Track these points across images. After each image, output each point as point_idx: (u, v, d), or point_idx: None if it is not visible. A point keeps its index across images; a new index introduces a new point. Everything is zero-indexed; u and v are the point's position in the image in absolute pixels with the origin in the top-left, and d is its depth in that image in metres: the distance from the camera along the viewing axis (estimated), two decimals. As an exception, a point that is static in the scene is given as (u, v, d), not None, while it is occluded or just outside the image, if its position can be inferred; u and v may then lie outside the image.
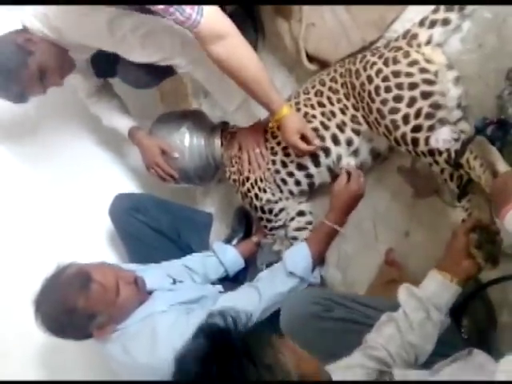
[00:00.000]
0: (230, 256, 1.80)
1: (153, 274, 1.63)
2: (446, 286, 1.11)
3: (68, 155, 2.01)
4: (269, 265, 1.75)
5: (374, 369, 1.05)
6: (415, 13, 1.47)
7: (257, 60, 1.43)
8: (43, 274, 1.63)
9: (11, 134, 1.90)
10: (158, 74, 1.72)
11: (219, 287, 1.70)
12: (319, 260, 1.58)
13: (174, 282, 1.64)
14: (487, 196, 1.19)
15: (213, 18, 1.32)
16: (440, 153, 1.28)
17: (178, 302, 1.52)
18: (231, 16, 1.39)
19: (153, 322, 1.43)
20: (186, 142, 1.81)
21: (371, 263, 1.62)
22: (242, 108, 1.65)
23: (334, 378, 0.93)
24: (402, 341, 1.09)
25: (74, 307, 1.39)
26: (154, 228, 1.83)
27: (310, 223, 1.75)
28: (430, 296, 1.11)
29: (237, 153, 1.75)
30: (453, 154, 1.25)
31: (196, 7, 1.28)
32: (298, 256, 1.54)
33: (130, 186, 2.14)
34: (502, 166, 1.11)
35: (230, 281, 1.82)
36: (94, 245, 1.97)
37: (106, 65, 1.79)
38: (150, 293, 1.56)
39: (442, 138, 1.25)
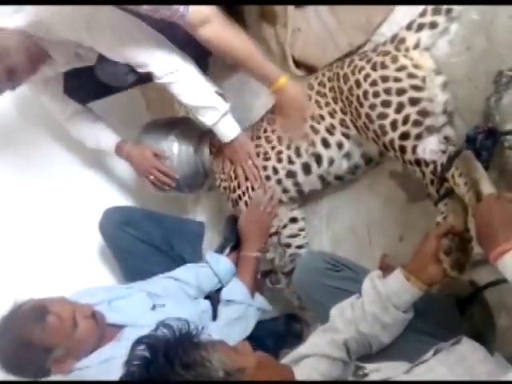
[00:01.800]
0: (224, 266, 1.77)
1: (130, 303, 1.61)
2: (407, 288, 1.10)
3: (55, 170, 1.99)
4: (264, 274, 1.74)
5: (338, 358, 1.11)
6: (402, 15, 1.46)
7: (245, 37, 1.49)
8: (32, 290, 1.63)
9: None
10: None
11: (204, 306, 1.69)
12: (253, 287, 1.68)
13: (154, 307, 1.62)
14: (464, 202, 1.17)
15: (197, 6, 1.39)
16: (426, 164, 1.27)
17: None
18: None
19: (109, 369, 1.35)
20: (175, 150, 1.80)
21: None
22: (222, 121, 1.62)
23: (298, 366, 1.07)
24: (356, 328, 1.12)
25: (30, 340, 1.38)
26: (145, 241, 1.81)
27: (302, 229, 1.74)
28: (389, 294, 1.11)
29: (230, 171, 1.73)
30: (439, 168, 1.24)
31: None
32: (232, 287, 1.67)
33: (119, 199, 2.11)
34: (486, 187, 1.08)
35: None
36: (86, 260, 1.95)
37: (83, 90, 1.79)
38: (122, 326, 1.54)
39: (429, 148, 1.25)
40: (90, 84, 1.74)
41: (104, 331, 1.50)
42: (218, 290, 1.76)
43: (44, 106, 1.82)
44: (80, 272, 1.89)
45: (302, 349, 1.15)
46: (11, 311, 1.43)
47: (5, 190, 1.87)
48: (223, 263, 1.78)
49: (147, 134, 1.84)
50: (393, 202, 1.55)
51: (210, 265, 1.76)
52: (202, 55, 1.67)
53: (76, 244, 1.94)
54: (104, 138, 1.85)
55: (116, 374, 1.34)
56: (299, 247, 1.72)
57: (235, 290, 1.66)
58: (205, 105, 1.59)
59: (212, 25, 1.43)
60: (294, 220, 1.73)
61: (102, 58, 1.58)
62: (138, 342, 0.89)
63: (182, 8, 1.36)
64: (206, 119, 1.62)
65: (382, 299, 1.12)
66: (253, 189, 1.68)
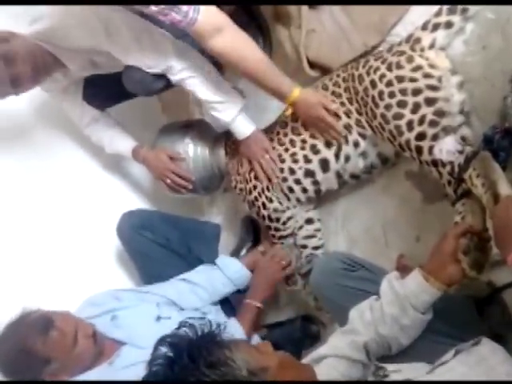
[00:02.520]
0: (235, 270, 1.77)
1: (135, 315, 1.63)
2: (425, 289, 1.10)
3: (74, 173, 2.01)
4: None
5: (358, 360, 1.10)
6: (417, 15, 1.45)
7: (256, 49, 1.44)
8: (51, 293, 1.70)
9: (14, 148, 1.90)
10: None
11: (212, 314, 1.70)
12: (251, 334, 1.69)
13: (159, 318, 1.63)
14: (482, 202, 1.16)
15: (208, 13, 1.34)
16: (443, 165, 1.26)
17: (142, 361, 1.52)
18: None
19: None
20: (191, 153, 1.80)
21: (382, 269, 1.60)
22: (238, 118, 1.62)
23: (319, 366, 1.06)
24: (376, 330, 1.12)
25: (30, 349, 1.42)
26: (162, 245, 1.82)
27: (318, 230, 1.74)
28: (408, 294, 1.10)
29: (247, 170, 1.73)
30: (456, 168, 1.23)
31: (192, 6, 1.30)
32: (230, 327, 1.64)
33: (136, 202, 2.12)
34: (503, 189, 1.07)
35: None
36: (104, 263, 1.97)
37: (101, 96, 1.80)
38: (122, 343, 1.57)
39: (446, 149, 1.24)
40: (107, 90, 1.77)
41: (103, 347, 1.53)
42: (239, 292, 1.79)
43: (65, 113, 1.84)
44: (98, 275, 1.91)
45: (322, 349, 1.15)
46: (19, 318, 1.48)
47: (24, 193, 1.89)
48: (234, 266, 1.78)
49: (163, 137, 1.85)
50: (409, 202, 1.55)
51: (220, 269, 1.77)
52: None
53: (94, 247, 1.95)
54: (121, 143, 1.86)
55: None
56: (316, 248, 1.72)
57: (232, 330, 1.63)
58: (222, 100, 1.58)
59: (222, 35, 1.37)
60: (309, 221, 1.73)
61: (127, 68, 1.59)
62: (161, 341, 0.89)
63: (191, 12, 1.31)
64: (224, 115, 1.60)
65: (400, 300, 1.11)
66: (268, 189, 1.68)
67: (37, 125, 1.69)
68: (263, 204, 1.70)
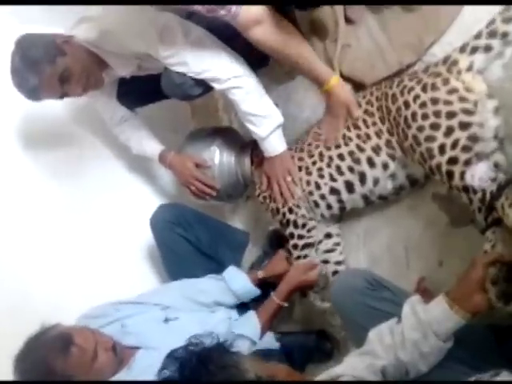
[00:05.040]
0: (242, 285, 1.76)
1: (142, 321, 1.64)
2: (450, 316, 1.07)
3: (105, 169, 2.06)
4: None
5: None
6: (455, 36, 1.43)
7: (297, 37, 1.49)
8: (82, 286, 1.78)
9: (47, 146, 1.94)
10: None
11: (220, 316, 1.71)
12: (266, 329, 1.69)
13: (167, 320, 1.64)
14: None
15: (249, 7, 1.39)
16: (475, 191, 1.23)
17: (159, 361, 1.52)
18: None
19: None
20: (216, 160, 1.80)
21: (401, 290, 1.58)
22: (273, 135, 1.63)
23: None
24: (395, 355, 1.09)
25: (52, 369, 1.42)
26: (192, 243, 1.83)
27: (337, 244, 1.73)
28: (430, 321, 1.08)
29: (265, 189, 1.73)
30: (488, 196, 1.20)
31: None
32: (246, 321, 1.67)
33: (162, 199, 2.16)
34: None
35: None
36: (135, 253, 2.03)
37: (133, 96, 1.82)
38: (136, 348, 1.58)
39: (479, 175, 1.21)
40: (140, 90, 1.78)
41: (123, 357, 1.54)
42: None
43: (97, 111, 1.86)
44: (127, 265, 1.97)
45: (338, 368, 1.14)
46: (37, 335, 1.48)
47: (55, 189, 1.93)
48: (241, 281, 1.77)
49: (190, 143, 1.86)
50: (434, 224, 1.52)
51: (226, 282, 1.76)
52: (255, 65, 1.67)
53: (127, 238, 2.01)
54: (148, 146, 1.88)
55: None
56: (338, 263, 1.71)
57: (248, 324, 1.66)
58: (263, 114, 1.59)
59: (263, 26, 1.42)
60: (328, 235, 1.72)
61: (168, 72, 1.59)
62: (170, 356, 0.90)
63: (234, 7, 1.37)
64: (260, 130, 1.60)
65: (422, 326, 1.09)
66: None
67: (68, 124, 1.72)
68: (290, 209, 1.68)
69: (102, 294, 1.79)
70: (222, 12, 1.37)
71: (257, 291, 1.77)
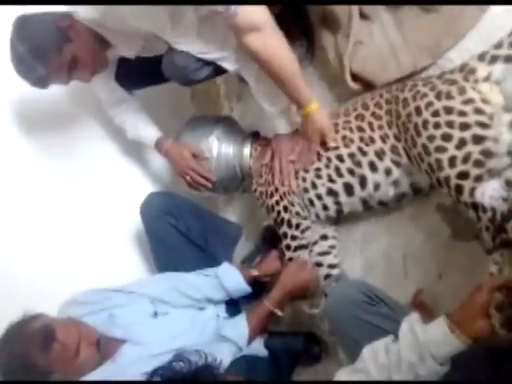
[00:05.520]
0: (235, 282, 1.71)
1: (131, 313, 1.59)
2: (450, 340, 1.02)
3: (97, 151, 2.00)
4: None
5: None
6: (474, 42, 1.36)
7: (290, 52, 1.42)
8: (67, 270, 1.75)
9: (39, 124, 1.87)
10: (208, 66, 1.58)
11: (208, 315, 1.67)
12: (255, 334, 1.62)
13: (156, 314, 1.60)
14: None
15: (249, 10, 1.32)
16: (484, 210, 1.17)
17: (144, 357, 1.48)
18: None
19: None
20: (214, 152, 1.75)
21: (397, 300, 1.53)
22: (284, 114, 1.60)
23: None
24: (389, 375, 1.05)
25: (32, 364, 1.39)
26: (182, 234, 1.78)
27: (333, 247, 1.67)
28: (429, 343, 1.03)
29: (268, 162, 1.67)
30: (498, 216, 1.14)
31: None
32: (234, 325, 1.61)
33: (155, 185, 2.11)
34: None
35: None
36: (121, 241, 1.98)
37: (132, 78, 1.75)
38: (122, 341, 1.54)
39: (490, 193, 1.15)
40: (139, 72, 1.72)
41: (107, 351, 1.49)
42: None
43: (93, 90, 1.79)
44: (114, 253, 1.93)
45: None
46: (19, 324, 1.44)
47: (43, 173, 1.87)
48: (234, 279, 1.72)
49: (188, 131, 1.79)
50: (436, 236, 1.47)
51: (220, 279, 1.71)
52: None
53: (115, 223, 1.97)
54: (145, 131, 1.81)
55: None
56: (331, 267, 1.65)
57: (236, 329, 1.60)
58: (276, 92, 1.52)
59: (261, 34, 1.35)
60: (324, 237, 1.66)
61: (170, 53, 1.52)
62: (154, 373, 0.85)
63: (233, 6, 1.29)
64: (273, 107, 1.57)
65: (420, 347, 1.04)
66: (290, 194, 1.60)
67: (62, 102, 1.65)
68: (285, 207, 1.63)
69: (87, 279, 1.77)
70: (220, 9, 1.30)
71: (248, 289, 1.72)
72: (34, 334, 1.41)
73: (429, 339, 1.04)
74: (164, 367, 0.87)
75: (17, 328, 1.43)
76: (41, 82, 1.49)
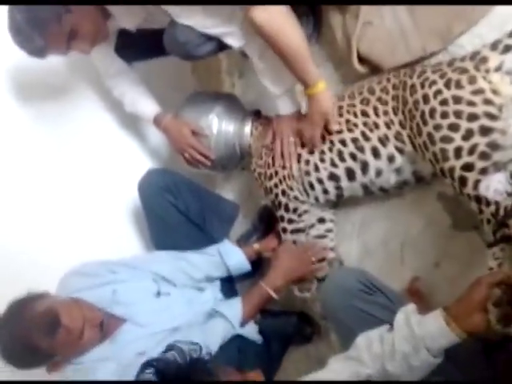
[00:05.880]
0: (237, 260, 1.72)
1: (134, 290, 1.58)
2: (445, 334, 1.03)
3: (95, 123, 1.95)
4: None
5: None
6: (486, 29, 1.33)
7: (298, 29, 1.39)
8: (63, 243, 1.74)
9: (36, 94, 1.83)
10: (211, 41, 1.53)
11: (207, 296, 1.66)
12: (250, 317, 1.61)
13: (159, 294, 1.59)
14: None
15: None
16: (488, 203, 1.15)
17: (142, 338, 1.49)
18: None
19: (98, 369, 1.42)
20: (214, 130, 1.71)
21: (393, 287, 1.52)
22: (287, 94, 1.56)
23: None
24: (382, 364, 1.06)
25: (36, 348, 1.38)
26: (181, 212, 1.76)
27: (330, 231, 1.66)
28: (424, 335, 1.03)
29: (268, 144, 1.64)
30: (501, 211, 1.12)
31: None
32: (230, 305, 1.61)
33: (153, 160, 2.08)
34: None
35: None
36: (117, 218, 1.95)
37: (132, 50, 1.71)
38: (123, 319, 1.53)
39: (494, 186, 1.12)
40: (140, 44, 1.68)
41: (108, 329, 1.49)
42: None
43: (92, 61, 1.74)
44: (109, 231, 1.90)
45: (321, 374, 1.10)
46: (21, 304, 1.41)
47: (39, 151, 1.83)
48: (236, 257, 1.72)
49: (188, 107, 1.75)
50: (435, 224, 1.46)
51: (222, 257, 1.71)
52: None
53: (112, 197, 1.94)
54: (143, 106, 1.77)
55: (101, 375, 1.41)
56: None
57: (230, 308, 1.60)
58: (279, 71, 1.49)
59: (270, 9, 1.32)
60: (321, 220, 1.65)
61: (172, 28, 1.48)
62: (147, 365, 0.84)
63: None
64: (276, 87, 1.54)
65: (415, 339, 1.04)
66: (289, 178, 1.59)
67: (60, 72, 1.60)
68: (283, 191, 1.61)
69: (82, 254, 1.74)
70: None
71: (248, 267, 1.73)
72: (38, 317, 1.39)
73: (424, 332, 1.04)
74: (157, 359, 0.86)
75: (19, 307, 1.41)
76: (39, 52, 1.44)
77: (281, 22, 1.35)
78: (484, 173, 1.16)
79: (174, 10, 1.42)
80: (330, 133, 1.49)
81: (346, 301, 1.24)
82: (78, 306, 1.46)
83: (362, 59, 1.51)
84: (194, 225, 1.78)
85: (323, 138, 1.51)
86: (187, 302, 1.62)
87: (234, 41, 1.48)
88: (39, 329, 1.37)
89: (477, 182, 1.17)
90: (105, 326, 1.47)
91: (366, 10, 1.46)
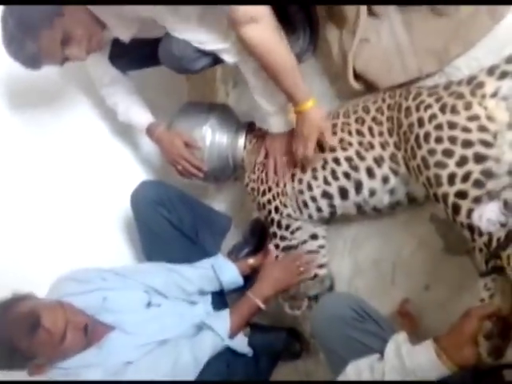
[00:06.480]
0: (230, 275, 1.69)
1: (125, 299, 1.55)
2: (436, 366, 1.02)
3: (88, 130, 1.93)
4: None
5: None
6: (484, 53, 1.31)
7: (287, 47, 1.38)
8: (52, 253, 1.72)
9: (27, 110, 1.80)
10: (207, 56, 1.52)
11: (198, 310, 1.65)
12: (238, 329, 1.58)
13: (149, 304, 1.57)
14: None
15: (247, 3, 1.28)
16: (480, 233, 1.13)
17: (129, 346, 1.46)
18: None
19: (81, 376, 1.39)
20: (207, 142, 1.69)
21: (383, 308, 1.50)
22: (280, 113, 1.54)
23: None
24: None
25: (16, 348, 1.35)
26: (174, 225, 1.73)
27: (322, 247, 1.65)
28: (415, 368, 1.03)
29: (262, 160, 1.63)
30: (494, 243, 1.10)
31: None
32: (217, 318, 1.58)
33: (145, 172, 2.05)
34: None
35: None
36: (109, 228, 1.93)
37: (126, 58, 1.68)
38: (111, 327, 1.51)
39: (487, 216, 1.10)
40: (134, 53, 1.65)
41: (93, 336, 1.46)
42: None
43: (87, 70, 1.72)
44: (101, 242, 1.88)
45: None
46: (5, 306, 1.39)
47: (32, 159, 1.81)
48: (230, 272, 1.70)
49: (182, 118, 1.73)
50: (427, 246, 1.44)
51: (215, 272, 1.68)
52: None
53: (103, 207, 1.92)
54: (137, 115, 1.75)
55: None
56: (319, 266, 1.63)
57: (218, 319, 1.58)
58: (273, 89, 1.47)
59: (259, 25, 1.30)
60: (314, 236, 1.63)
61: (168, 41, 1.45)
62: None
63: None
64: (269, 105, 1.52)
65: (406, 371, 1.03)
66: (283, 194, 1.57)
67: (54, 79, 1.58)
68: (276, 208, 1.60)
69: (73, 263, 1.69)
70: None
71: (241, 282, 1.71)
72: (19, 318, 1.37)
73: (415, 364, 1.03)
74: None
75: (3, 308, 1.39)
76: (33, 60, 1.40)
77: (270, 40, 1.34)
78: (477, 202, 1.14)
79: (169, 25, 1.40)
80: (325, 149, 1.47)
81: (338, 329, 1.22)
82: (61, 309, 1.43)
83: (357, 76, 1.49)
84: (186, 238, 1.76)
85: (317, 155, 1.49)
86: (178, 314, 1.59)
87: (228, 57, 1.46)
88: (19, 329, 1.35)
89: (470, 211, 1.15)
90: (89, 330, 1.44)
91: (363, 26, 1.44)
